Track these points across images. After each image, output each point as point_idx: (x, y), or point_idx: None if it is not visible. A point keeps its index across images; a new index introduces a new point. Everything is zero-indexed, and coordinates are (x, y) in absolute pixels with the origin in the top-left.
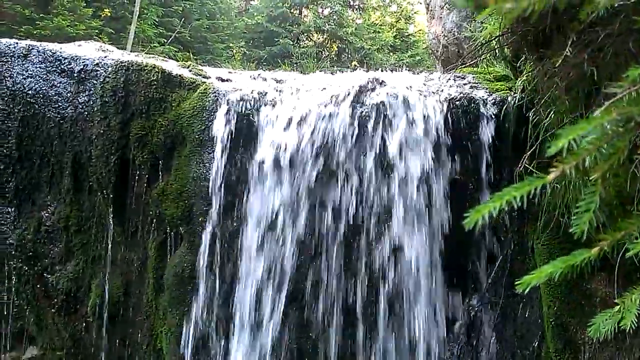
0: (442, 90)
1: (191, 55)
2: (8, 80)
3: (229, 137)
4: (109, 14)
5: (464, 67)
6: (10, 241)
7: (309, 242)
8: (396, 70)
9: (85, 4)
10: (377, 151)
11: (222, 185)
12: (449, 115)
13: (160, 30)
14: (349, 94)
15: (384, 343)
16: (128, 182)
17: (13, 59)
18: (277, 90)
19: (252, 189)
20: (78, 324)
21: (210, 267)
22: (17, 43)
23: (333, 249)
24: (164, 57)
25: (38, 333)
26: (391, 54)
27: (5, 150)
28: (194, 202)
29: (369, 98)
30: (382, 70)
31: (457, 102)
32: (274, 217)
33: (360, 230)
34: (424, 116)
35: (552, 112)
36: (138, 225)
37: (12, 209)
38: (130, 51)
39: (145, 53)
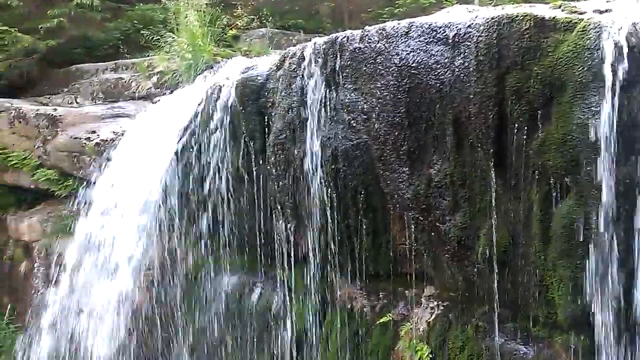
0: None
1: None
2: (395, 58)
3: (621, 74)
4: None
5: None
6: (407, 196)
7: None
8: None
9: None
10: None
11: (614, 130)
12: None
13: None
14: None
15: None
16: (506, 136)
17: (397, 38)
18: None
19: None
20: (469, 268)
21: (605, 221)
22: (398, 23)
23: None
24: (530, 3)
25: (434, 274)
26: None
27: (398, 119)
28: (579, 150)
29: None
30: None
31: None
32: None
33: None
34: None
35: None
36: (519, 177)
37: (406, 169)
38: (479, 4)
39: (492, 5)
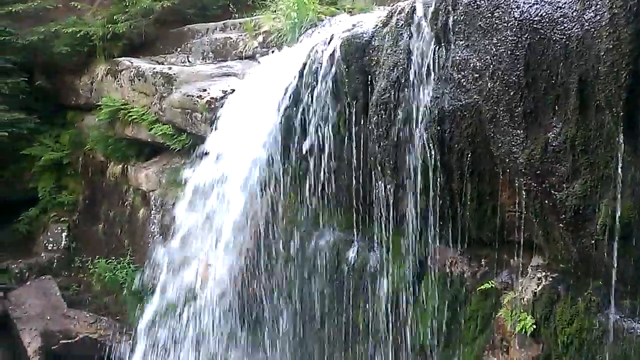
0: None
1: None
2: (515, 11)
3: None
4: None
5: None
6: (520, 160)
7: None
8: None
9: None
10: None
11: None
12: None
13: None
14: None
15: None
16: (639, 98)
17: None
18: None
19: None
20: (585, 240)
21: None
22: None
23: None
24: None
25: (544, 244)
26: None
27: (514, 78)
28: None
29: None
30: None
31: None
32: None
33: None
34: None
35: None
36: None
37: (521, 131)
38: None
39: None
